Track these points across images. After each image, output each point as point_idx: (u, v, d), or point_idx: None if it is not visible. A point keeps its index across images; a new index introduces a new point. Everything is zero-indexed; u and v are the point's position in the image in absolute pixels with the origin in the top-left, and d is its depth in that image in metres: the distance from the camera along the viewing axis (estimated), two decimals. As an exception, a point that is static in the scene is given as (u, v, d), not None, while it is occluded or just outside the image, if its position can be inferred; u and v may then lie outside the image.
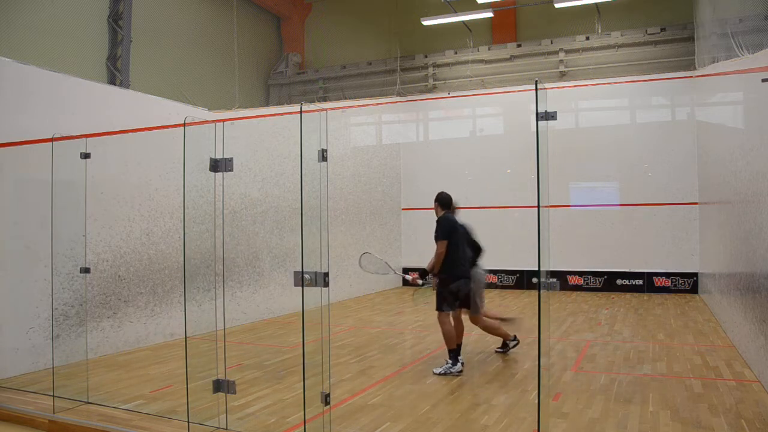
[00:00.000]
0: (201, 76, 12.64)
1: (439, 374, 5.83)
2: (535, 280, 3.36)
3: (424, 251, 14.07)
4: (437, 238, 5.94)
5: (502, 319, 7.07)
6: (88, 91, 7.10)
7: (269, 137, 9.87)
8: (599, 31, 13.43)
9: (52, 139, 5.16)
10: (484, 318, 6.51)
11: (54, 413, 4.70)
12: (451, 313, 5.99)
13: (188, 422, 4.17)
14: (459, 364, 5.92)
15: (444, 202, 6.17)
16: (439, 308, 5.96)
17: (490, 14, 13.89)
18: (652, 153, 12.41)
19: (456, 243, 5.98)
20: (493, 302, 11.17)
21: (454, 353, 5.93)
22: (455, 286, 5.95)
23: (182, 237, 7.43)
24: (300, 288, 3.62)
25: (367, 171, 12.96)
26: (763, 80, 5.13)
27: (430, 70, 14.91)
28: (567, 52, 13.70)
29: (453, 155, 13.88)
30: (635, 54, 13.13)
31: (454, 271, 5.95)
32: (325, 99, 15.80)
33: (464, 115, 14.32)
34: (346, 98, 14.89)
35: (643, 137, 12.54)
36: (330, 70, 16.13)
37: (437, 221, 6.06)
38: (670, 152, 12.21)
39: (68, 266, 6.33)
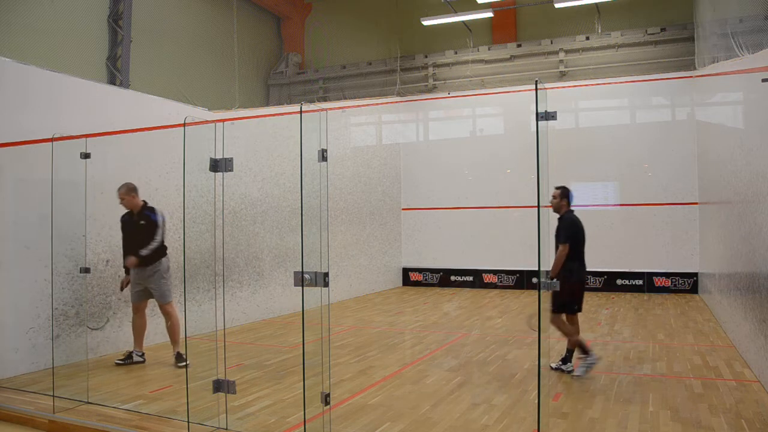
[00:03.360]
0: (201, 76, 12.65)
1: (582, 374, 5.68)
2: (535, 280, 3.37)
3: (424, 251, 14.28)
4: (561, 240, 5.72)
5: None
6: (88, 91, 7.09)
7: (269, 137, 9.86)
8: (599, 31, 13.42)
9: (52, 139, 5.16)
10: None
11: (54, 413, 4.69)
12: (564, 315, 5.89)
13: (188, 422, 4.17)
14: (593, 354, 5.80)
15: (571, 197, 5.94)
16: (578, 311, 5.90)
17: (490, 14, 13.90)
18: (652, 153, 12.41)
19: (582, 244, 5.86)
20: (493, 302, 11.17)
21: (583, 347, 5.82)
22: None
23: (182, 237, 7.45)
24: (300, 288, 3.62)
25: (367, 171, 12.96)
26: (763, 80, 5.13)
27: (430, 70, 14.91)
28: (567, 52, 13.70)
29: (453, 155, 13.88)
30: (635, 54, 13.13)
31: (582, 273, 5.88)
32: (325, 99, 15.80)
33: (464, 115, 14.31)
34: (346, 98, 14.89)
35: (643, 137, 12.54)
36: (330, 70, 16.13)
37: (561, 221, 5.86)
38: (670, 152, 12.20)
39: (68, 266, 6.34)
